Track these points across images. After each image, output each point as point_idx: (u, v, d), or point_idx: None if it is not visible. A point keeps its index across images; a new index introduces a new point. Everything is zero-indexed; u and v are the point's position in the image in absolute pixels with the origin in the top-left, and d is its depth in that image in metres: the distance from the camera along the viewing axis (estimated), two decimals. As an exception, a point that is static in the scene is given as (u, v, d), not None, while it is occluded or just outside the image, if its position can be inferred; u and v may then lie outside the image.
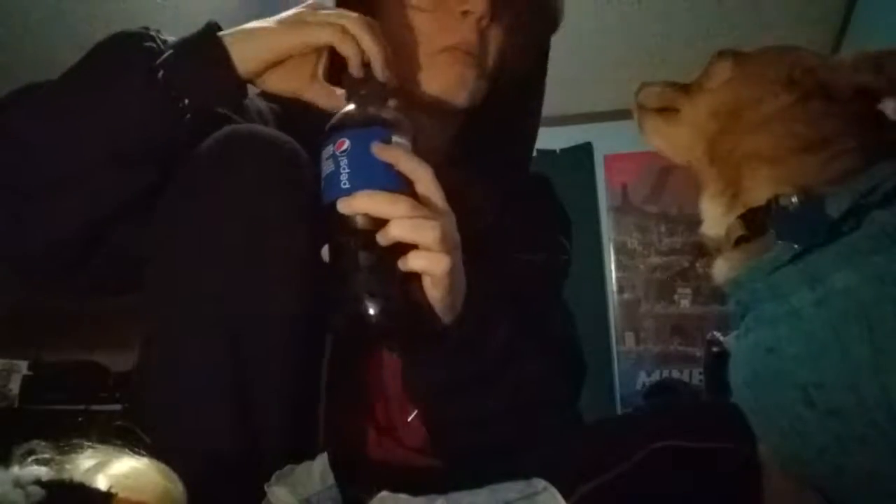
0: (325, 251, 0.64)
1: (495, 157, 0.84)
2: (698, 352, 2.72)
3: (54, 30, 2.25)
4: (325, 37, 0.66)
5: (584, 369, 0.88)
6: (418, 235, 0.60)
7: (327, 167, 0.65)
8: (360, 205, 0.60)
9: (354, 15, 0.68)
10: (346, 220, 0.62)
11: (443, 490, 0.48)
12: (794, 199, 0.64)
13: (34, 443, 0.46)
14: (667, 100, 0.82)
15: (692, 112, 0.78)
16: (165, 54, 0.64)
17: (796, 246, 0.62)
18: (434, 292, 0.63)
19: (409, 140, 0.67)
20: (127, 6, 2.16)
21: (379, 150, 0.62)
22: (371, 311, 0.61)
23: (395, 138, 0.66)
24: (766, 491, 0.64)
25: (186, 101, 0.64)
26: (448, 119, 0.81)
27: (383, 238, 0.60)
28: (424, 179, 0.63)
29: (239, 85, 0.67)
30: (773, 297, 0.64)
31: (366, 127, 0.66)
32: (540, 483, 0.49)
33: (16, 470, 0.44)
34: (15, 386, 2.78)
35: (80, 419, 0.53)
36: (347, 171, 0.63)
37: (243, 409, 0.65)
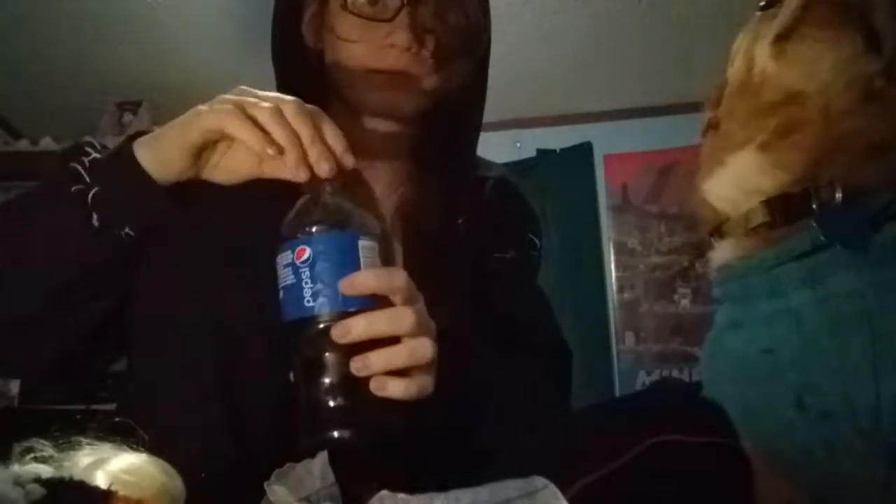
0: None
1: (451, 163, 0.85)
2: (698, 351, 2.71)
3: (55, 28, 2.25)
4: (216, 123, 0.62)
5: (568, 358, 0.89)
6: (412, 358, 0.58)
7: (286, 277, 0.58)
8: (358, 332, 0.56)
9: (269, 104, 0.61)
10: (318, 340, 0.57)
11: (438, 486, 0.48)
12: (839, 195, 0.58)
13: (33, 440, 0.46)
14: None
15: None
16: (93, 190, 0.64)
17: (839, 245, 0.58)
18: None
19: (375, 232, 0.61)
20: (127, 5, 2.16)
21: (347, 286, 0.57)
22: (346, 438, 0.57)
23: (361, 242, 0.59)
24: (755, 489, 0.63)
25: (126, 229, 0.65)
26: (399, 121, 0.81)
27: (370, 369, 0.57)
28: (401, 288, 0.59)
29: (161, 194, 0.65)
30: (771, 295, 0.61)
31: (327, 231, 0.59)
32: (540, 481, 0.48)
33: (15, 468, 0.44)
34: (14, 386, 2.78)
35: (78, 416, 0.52)
36: (311, 285, 0.57)
37: (233, 410, 0.65)
